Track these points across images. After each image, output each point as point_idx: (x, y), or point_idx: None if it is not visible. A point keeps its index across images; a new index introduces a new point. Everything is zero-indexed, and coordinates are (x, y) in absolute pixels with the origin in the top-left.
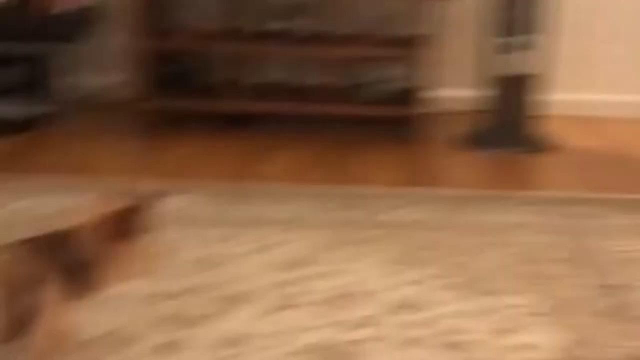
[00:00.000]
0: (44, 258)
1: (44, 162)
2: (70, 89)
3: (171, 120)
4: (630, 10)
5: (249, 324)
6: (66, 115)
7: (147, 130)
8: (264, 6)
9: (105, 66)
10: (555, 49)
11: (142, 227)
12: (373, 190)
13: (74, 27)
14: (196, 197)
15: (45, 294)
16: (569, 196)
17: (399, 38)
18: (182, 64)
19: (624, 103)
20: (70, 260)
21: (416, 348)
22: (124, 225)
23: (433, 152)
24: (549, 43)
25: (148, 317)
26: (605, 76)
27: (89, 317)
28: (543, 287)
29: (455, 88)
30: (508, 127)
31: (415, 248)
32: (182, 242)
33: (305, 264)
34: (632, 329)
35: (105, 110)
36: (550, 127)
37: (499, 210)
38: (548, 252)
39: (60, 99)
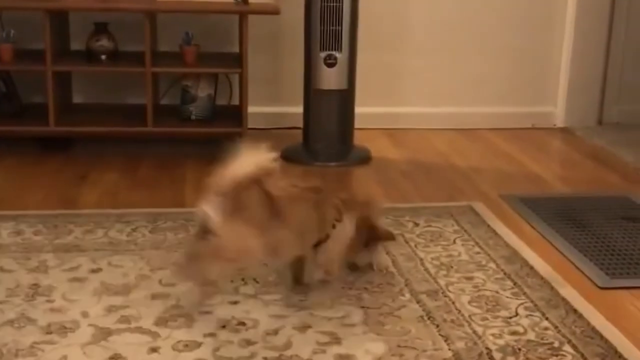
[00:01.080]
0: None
1: None
2: None
3: None
4: (433, 24)
5: (80, 352)
6: None
7: None
8: (76, 26)
9: None
10: (363, 63)
11: None
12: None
13: None
14: (16, 224)
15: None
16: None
17: (215, 55)
18: None
19: (428, 115)
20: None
21: None
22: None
23: None
24: (354, 58)
25: None
26: (410, 89)
27: None
28: (358, 298)
29: (274, 105)
30: (328, 142)
31: None
32: (5, 270)
33: (131, 289)
34: (446, 332)
35: None
36: (364, 140)
37: None
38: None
39: None
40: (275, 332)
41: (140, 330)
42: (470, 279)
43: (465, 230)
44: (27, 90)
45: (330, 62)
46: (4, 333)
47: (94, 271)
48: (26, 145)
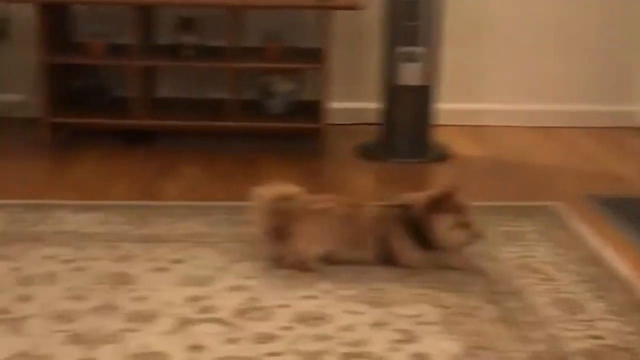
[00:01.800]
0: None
1: None
2: None
3: (74, 137)
4: (518, 20)
5: (161, 340)
6: None
7: (50, 148)
8: (167, 20)
9: (7, 83)
10: (445, 59)
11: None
12: None
13: None
14: (101, 215)
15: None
16: None
17: (297, 51)
18: (85, 81)
19: (509, 112)
20: (411, 222)
21: None
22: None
23: (337, 164)
24: (437, 54)
25: (59, 337)
26: (492, 86)
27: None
28: (435, 297)
29: (352, 101)
30: (406, 138)
31: None
32: (90, 259)
33: (210, 280)
34: (523, 334)
35: (8, 127)
36: (444, 136)
37: None
38: None
39: None
40: (351, 327)
41: (219, 321)
42: (550, 280)
43: (545, 231)
44: (115, 83)
45: (410, 58)
46: (89, 319)
47: (175, 262)
48: (113, 138)
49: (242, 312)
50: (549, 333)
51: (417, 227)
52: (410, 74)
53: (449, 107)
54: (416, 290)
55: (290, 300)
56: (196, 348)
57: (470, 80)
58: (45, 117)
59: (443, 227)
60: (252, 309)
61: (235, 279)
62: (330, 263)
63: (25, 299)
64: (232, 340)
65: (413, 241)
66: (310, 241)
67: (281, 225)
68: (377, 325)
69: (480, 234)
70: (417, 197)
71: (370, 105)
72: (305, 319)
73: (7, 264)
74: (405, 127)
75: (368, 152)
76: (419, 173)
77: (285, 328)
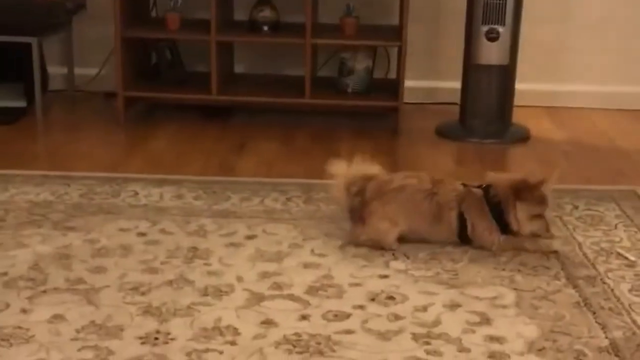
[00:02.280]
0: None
1: (24, 153)
2: (51, 79)
3: (149, 112)
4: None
5: (233, 315)
6: (46, 105)
7: (125, 122)
8: None
9: (85, 57)
10: (526, 39)
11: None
12: None
13: (56, 16)
14: (175, 189)
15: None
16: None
17: (374, 28)
18: (161, 55)
19: (591, 93)
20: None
21: (394, 340)
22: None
23: (414, 143)
24: (519, 33)
25: (132, 309)
26: (574, 66)
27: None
28: (511, 280)
29: (431, 79)
30: (486, 118)
31: None
32: (164, 233)
33: (283, 256)
34: (603, 321)
35: (85, 101)
36: (523, 117)
37: None
38: None
39: (41, 89)
40: (425, 308)
41: (291, 297)
42: (631, 266)
43: (628, 216)
44: (191, 58)
45: (492, 37)
46: (163, 293)
47: (249, 237)
48: (188, 112)
49: (314, 290)
50: (630, 320)
51: (496, 209)
52: (491, 53)
53: (529, 88)
54: (493, 272)
55: (363, 279)
56: (267, 323)
57: (551, 61)
58: (120, 91)
59: (522, 215)
60: (325, 286)
61: (309, 256)
62: (407, 241)
63: (100, 270)
64: (303, 317)
65: (494, 223)
66: (387, 220)
67: (359, 204)
68: (452, 306)
69: (550, 231)
70: (500, 180)
71: (449, 84)
72: (379, 298)
73: (82, 236)
74: (485, 107)
75: (446, 132)
76: (497, 154)
77: (358, 307)
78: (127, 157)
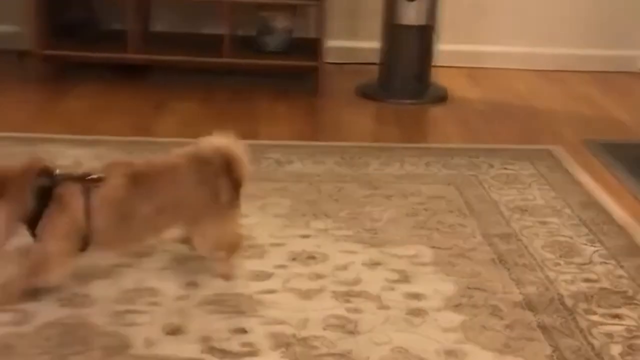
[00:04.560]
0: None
1: None
2: None
3: (66, 71)
4: None
5: (155, 276)
6: None
7: (42, 81)
8: None
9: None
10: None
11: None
12: (274, 143)
13: None
14: (94, 150)
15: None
16: (456, 147)
17: None
18: (77, 13)
19: (510, 54)
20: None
21: (315, 299)
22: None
23: (335, 103)
24: None
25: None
26: (493, 27)
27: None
28: (429, 237)
29: (351, 39)
30: (406, 78)
31: (306, 201)
32: None
33: None
34: (517, 276)
35: (1, 60)
36: (443, 78)
37: (392, 162)
38: (436, 203)
39: None
40: (345, 267)
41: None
42: (544, 223)
43: (542, 175)
44: (107, 16)
45: None
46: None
47: None
48: (104, 71)
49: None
50: (543, 275)
51: None
52: (411, 13)
53: (449, 48)
54: (411, 231)
55: (284, 239)
56: (190, 285)
57: (471, 21)
58: (36, 50)
59: None
60: (246, 247)
61: None
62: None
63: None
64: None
65: None
66: None
67: None
68: (372, 265)
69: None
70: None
71: (369, 44)
72: (300, 257)
73: None
74: (405, 67)
75: (366, 92)
76: (417, 114)
77: (280, 266)
78: (44, 117)
